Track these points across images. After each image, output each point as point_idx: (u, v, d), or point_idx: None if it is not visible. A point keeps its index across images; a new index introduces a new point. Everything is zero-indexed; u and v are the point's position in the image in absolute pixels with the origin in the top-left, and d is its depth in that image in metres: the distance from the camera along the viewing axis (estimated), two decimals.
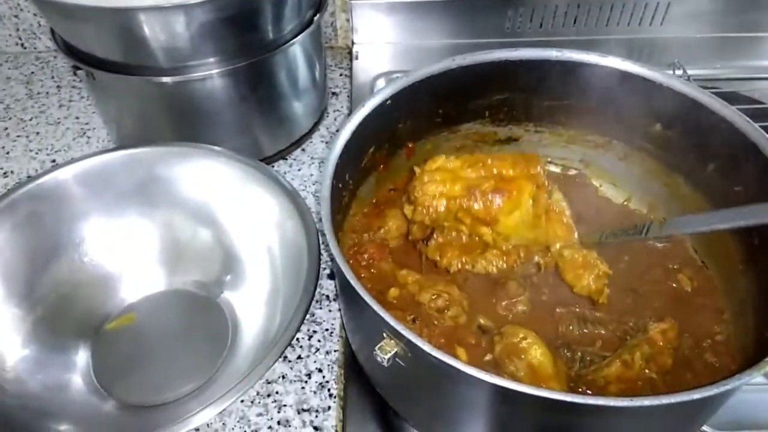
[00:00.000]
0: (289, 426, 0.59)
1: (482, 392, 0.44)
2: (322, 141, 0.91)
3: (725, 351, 0.56)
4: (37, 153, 0.91)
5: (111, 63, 0.71)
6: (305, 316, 0.55)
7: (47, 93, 1.02)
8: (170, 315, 0.69)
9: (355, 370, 0.64)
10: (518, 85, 0.67)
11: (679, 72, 0.91)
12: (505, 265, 0.60)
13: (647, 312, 0.58)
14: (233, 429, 0.59)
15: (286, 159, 0.88)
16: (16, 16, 1.06)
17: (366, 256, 0.63)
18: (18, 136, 0.93)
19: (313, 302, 0.63)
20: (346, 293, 0.53)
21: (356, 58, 1.04)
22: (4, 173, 0.87)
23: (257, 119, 0.80)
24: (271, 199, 0.66)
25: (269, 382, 0.63)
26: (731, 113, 0.56)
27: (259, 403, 0.61)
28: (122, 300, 0.69)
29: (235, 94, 0.75)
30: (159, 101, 0.75)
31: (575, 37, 1.02)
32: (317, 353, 0.65)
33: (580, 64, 0.63)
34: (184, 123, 0.78)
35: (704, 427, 0.55)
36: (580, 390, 0.53)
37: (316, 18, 0.80)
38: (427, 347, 0.41)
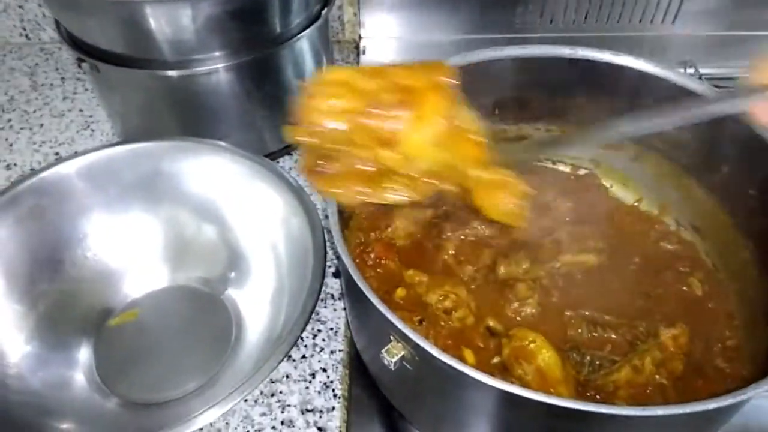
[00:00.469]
0: (293, 426, 0.59)
1: (491, 397, 0.43)
2: None
3: (736, 356, 0.55)
4: (40, 145, 0.90)
5: (116, 56, 0.70)
6: (311, 315, 0.54)
7: (51, 85, 1.01)
8: (173, 311, 0.68)
9: (360, 370, 0.63)
10: (528, 82, 0.65)
11: (691, 70, 0.90)
12: (414, 194, 0.50)
13: (658, 316, 0.57)
14: (236, 428, 0.59)
15: (291, 155, 0.87)
16: (20, 7, 1.05)
17: (372, 255, 0.62)
18: (22, 128, 0.93)
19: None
20: (353, 293, 0.53)
21: (363, 53, 1.03)
22: (8, 165, 0.87)
23: (263, 114, 0.79)
24: (277, 195, 0.65)
25: (273, 382, 0.62)
26: None
27: (263, 402, 0.60)
28: (125, 296, 0.68)
29: (241, 88, 0.74)
30: (164, 95, 0.74)
31: (586, 34, 1.01)
32: (322, 353, 0.65)
33: (592, 62, 0.61)
34: (188, 117, 0.77)
35: None
36: (588, 395, 0.52)
37: (323, 12, 0.79)
38: (435, 352, 0.40)
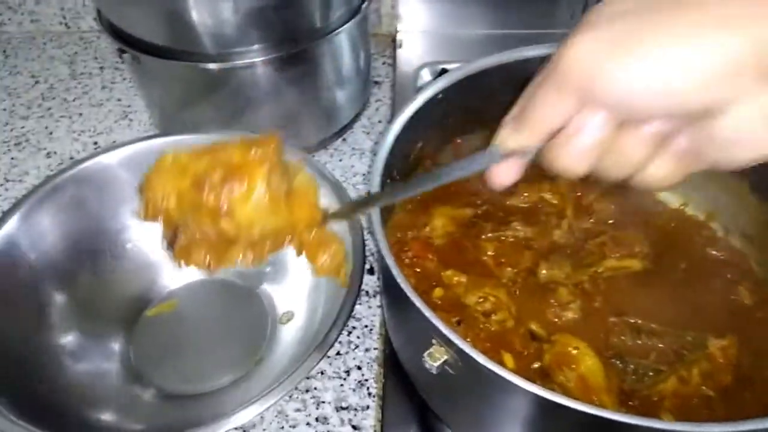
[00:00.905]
0: (328, 423, 0.59)
1: (533, 405, 0.42)
2: (363, 131, 0.89)
3: None
4: (79, 134, 0.91)
5: (156, 47, 0.71)
6: (351, 313, 0.54)
7: (90, 74, 1.02)
8: (210, 304, 0.68)
9: (395, 369, 0.62)
10: None
11: None
12: (258, 258, 0.54)
13: (705, 325, 0.55)
14: (271, 423, 0.59)
15: (327, 149, 0.87)
16: None
17: (410, 254, 0.61)
18: (61, 116, 0.94)
19: None
20: (392, 293, 0.52)
21: (400, 47, 1.02)
22: (48, 154, 0.88)
23: (300, 108, 0.79)
24: None
25: (308, 378, 0.62)
26: None
27: (297, 398, 0.60)
28: (163, 287, 0.69)
29: (280, 82, 0.74)
30: (203, 87, 0.74)
31: None
32: (356, 350, 0.64)
33: None
34: (226, 110, 0.77)
35: None
36: (631, 404, 0.51)
37: (364, 6, 0.78)
38: (481, 358, 0.40)
